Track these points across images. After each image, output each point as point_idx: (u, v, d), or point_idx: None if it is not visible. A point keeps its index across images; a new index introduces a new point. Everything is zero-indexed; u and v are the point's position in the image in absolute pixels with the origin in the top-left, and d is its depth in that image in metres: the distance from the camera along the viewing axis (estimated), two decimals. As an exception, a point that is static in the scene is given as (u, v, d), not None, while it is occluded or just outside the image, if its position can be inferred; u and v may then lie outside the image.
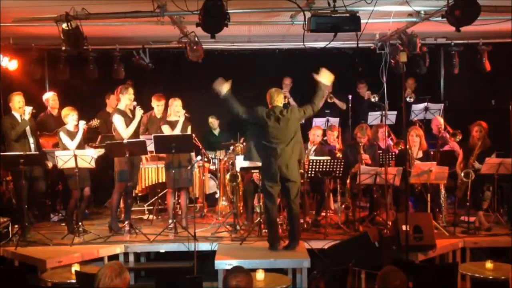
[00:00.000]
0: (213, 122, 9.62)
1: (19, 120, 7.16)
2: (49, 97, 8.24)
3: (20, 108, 7.13)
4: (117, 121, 7.06)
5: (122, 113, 7.10)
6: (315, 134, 7.58)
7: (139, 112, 7.11)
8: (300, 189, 6.52)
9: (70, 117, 7.09)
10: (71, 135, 7.08)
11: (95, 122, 7.88)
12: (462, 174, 7.04)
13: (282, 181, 6.32)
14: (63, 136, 7.07)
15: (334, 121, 9.04)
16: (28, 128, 7.20)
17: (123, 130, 7.02)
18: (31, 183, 7.23)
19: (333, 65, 9.70)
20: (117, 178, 7.13)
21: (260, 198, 7.09)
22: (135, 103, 7.12)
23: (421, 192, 7.02)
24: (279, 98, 6.39)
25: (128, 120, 7.10)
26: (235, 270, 3.57)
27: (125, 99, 7.11)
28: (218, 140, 9.19)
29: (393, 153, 7.58)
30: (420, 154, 7.30)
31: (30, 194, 7.30)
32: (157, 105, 8.03)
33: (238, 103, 6.29)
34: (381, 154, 7.49)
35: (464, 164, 7.35)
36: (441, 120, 8.44)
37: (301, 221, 7.23)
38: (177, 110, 7.28)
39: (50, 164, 7.48)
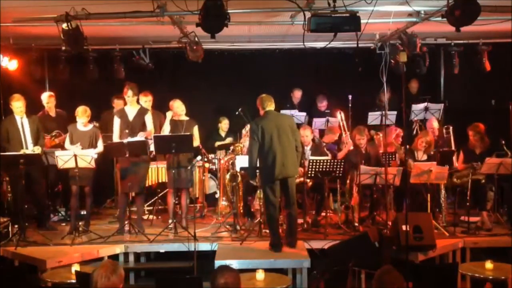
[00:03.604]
0: (226, 124, 9.33)
1: (18, 124, 7.12)
2: (44, 97, 8.15)
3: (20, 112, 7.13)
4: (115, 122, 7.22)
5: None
6: (304, 135, 7.48)
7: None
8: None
9: (78, 119, 7.17)
10: (75, 135, 7.12)
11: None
12: (482, 179, 7.02)
13: (282, 185, 6.36)
14: (68, 134, 7.17)
15: (334, 121, 9.03)
16: (27, 132, 7.16)
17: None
18: (30, 185, 7.18)
19: (333, 65, 9.87)
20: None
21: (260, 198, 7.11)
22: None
23: (421, 192, 7.03)
24: (271, 103, 6.51)
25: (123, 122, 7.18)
26: (222, 269, 3.53)
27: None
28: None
29: (393, 154, 7.59)
30: (425, 157, 7.32)
31: (31, 196, 7.28)
32: (145, 101, 8.08)
33: (252, 158, 6.37)
34: (382, 154, 7.51)
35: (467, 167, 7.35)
36: (435, 124, 8.45)
37: (301, 221, 7.25)
38: (179, 110, 7.30)
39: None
